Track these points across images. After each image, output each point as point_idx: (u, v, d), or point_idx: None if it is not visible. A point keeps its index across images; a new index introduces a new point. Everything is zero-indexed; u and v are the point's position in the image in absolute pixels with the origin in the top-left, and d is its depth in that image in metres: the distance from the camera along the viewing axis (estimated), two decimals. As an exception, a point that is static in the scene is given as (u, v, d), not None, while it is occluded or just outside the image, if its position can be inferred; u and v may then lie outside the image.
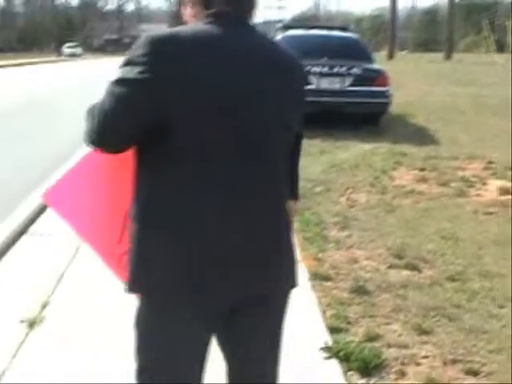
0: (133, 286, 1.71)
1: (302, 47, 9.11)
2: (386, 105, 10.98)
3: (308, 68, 9.77)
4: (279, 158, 1.77)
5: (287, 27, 12.55)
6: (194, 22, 1.76)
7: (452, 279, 4.21)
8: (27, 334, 3.40)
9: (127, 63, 1.61)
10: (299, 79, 1.85)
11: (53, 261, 4.56)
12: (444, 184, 6.97)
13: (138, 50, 1.61)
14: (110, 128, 1.63)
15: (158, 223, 1.67)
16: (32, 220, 5.69)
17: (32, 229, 5.47)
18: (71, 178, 1.97)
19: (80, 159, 1.97)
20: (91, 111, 1.68)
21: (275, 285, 1.80)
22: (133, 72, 1.58)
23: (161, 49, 1.60)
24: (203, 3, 1.75)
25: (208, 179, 1.64)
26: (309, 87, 9.28)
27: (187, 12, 1.83)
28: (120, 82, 1.60)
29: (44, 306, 3.73)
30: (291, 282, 1.84)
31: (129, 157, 1.75)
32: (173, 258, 1.64)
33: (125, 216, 1.91)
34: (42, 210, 5.87)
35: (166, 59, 1.59)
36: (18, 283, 4.18)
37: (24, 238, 5.25)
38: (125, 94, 1.59)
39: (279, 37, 11.19)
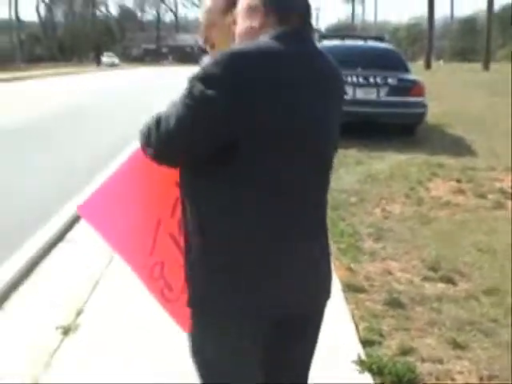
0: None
1: (337, 57, 9.02)
2: (422, 115, 10.89)
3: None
4: (331, 171, 1.79)
5: (323, 37, 12.55)
6: (256, 36, 1.69)
7: (488, 293, 4.13)
8: (62, 341, 3.43)
9: (202, 78, 1.57)
10: (342, 89, 1.85)
11: (88, 268, 4.61)
12: (481, 196, 6.85)
13: (215, 66, 1.57)
14: (177, 142, 1.63)
15: (214, 244, 1.65)
16: (69, 227, 5.77)
17: (69, 236, 5.54)
18: (106, 189, 1.98)
19: (115, 171, 1.97)
20: (157, 121, 1.66)
21: (316, 300, 1.81)
22: (207, 88, 1.55)
23: (239, 68, 1.56)
24: (279, 18, 1.69)
25: (269, 202, 1.63)
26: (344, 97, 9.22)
27: (241, 26, 1.75)
28: (193, 97, 1.57)
29: (79, 314, 3.76)
30: (328, 295, 1.84)
31: (165, 168, 1.76)
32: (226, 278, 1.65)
33: (156, 226, 1.92)
34: (79, 216, 5.94)
35: (243, 79, 1.55)
36: (54, 290, 4.23)
37: (61, 244, 5.32)
38: (196, 110, 1.57)
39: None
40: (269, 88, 1.57)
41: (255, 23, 1.70)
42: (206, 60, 1.66)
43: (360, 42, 12.22)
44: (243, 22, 1.73)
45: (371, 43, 12.18)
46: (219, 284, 1.65)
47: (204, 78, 1.57)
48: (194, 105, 1.57)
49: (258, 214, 1.62)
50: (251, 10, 1.71)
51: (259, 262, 1.64)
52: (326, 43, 11.48)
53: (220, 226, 1.65)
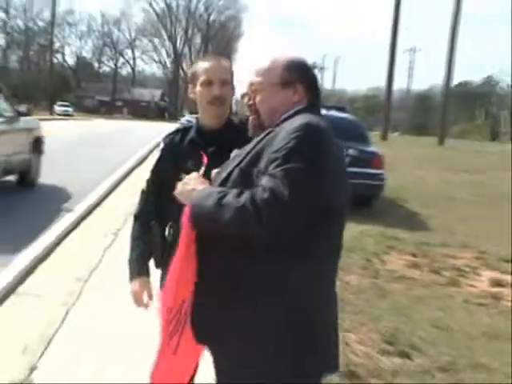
0: None
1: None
2: (380, 187, 11.23)
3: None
4: None
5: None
6: (291, 108, 2.07)
7: (443, 369, 4.29)
8: None
9: (305, 151, 1.85)
10: None
11: (42, 323, 4.60)
12: (436, 272, 7.09)
13: (314, 139, 1.89)
14: (295, 216, 1.83)
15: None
16: (21, 279, 5.74)
17: (22, 288, 5.52)
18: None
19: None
20: (272, 197, 1.79)
21: None
22: (315, 161, 1.85)
23: (329, 140, 1.94)
24: (309, 90, 2.12)
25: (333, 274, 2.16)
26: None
27: (275, 98, 2.11)
28: (304, 171, 1.82)
29: (32, 370, 3.78)
30: None
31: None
32: None
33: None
34: (31, 269, 5.95)
35: (333, 149, 1.94)
36: (6, 345, 4.22)
37: (12, 297, 5.29)
38: (311, 182, 1.83)
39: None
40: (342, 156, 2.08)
41: (293, 96, 2.09)
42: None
43: (322, 112, 12.52)
44: (275, 95, 2.09)
45: (333, 113, 12.55)
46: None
47: (305, 150, 1.86)
48: (304, 177, 1.83)
49: (330, 287, 2.09)
50: (284, 84, 2.09)
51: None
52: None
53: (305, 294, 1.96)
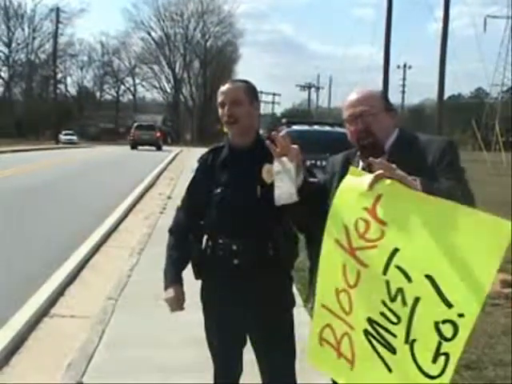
0: None
1: (307, 142, 9.35)
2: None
3: (313, 162, 10.03)
4: None
5: (291, 123, 12.91)
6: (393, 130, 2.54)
7: (469, 367, 4.36)
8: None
9: (458, 156, 2.51)
10: None
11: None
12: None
13: (457, 148, 2.55)
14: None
15: None
16: (53, 302, 5.82)
17: (53, 310, 5.60)
18: None
19: None
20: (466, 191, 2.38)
21: None
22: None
23: None
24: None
25: None
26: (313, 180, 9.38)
27: (386, 122, 2.51)
28: (463, 168, 2.49)
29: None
30: None
31: None
32: None
33: None
34: (60, 292, 6.03)
35: None
36: (46, 369, 4.32)
37: (45, 319, 5.37)
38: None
39: (284, 131, 11.55)
40: None
41: (394, 120, 2.57)
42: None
43: (326, 128, 12.63)
44: (386, 118, 2.53)
45: (337, 129, 12.62)
46: None
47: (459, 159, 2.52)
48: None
49: None
50: (388, 109, 2.55)
51: None
52: (296, 128, 11.93)
53: None
